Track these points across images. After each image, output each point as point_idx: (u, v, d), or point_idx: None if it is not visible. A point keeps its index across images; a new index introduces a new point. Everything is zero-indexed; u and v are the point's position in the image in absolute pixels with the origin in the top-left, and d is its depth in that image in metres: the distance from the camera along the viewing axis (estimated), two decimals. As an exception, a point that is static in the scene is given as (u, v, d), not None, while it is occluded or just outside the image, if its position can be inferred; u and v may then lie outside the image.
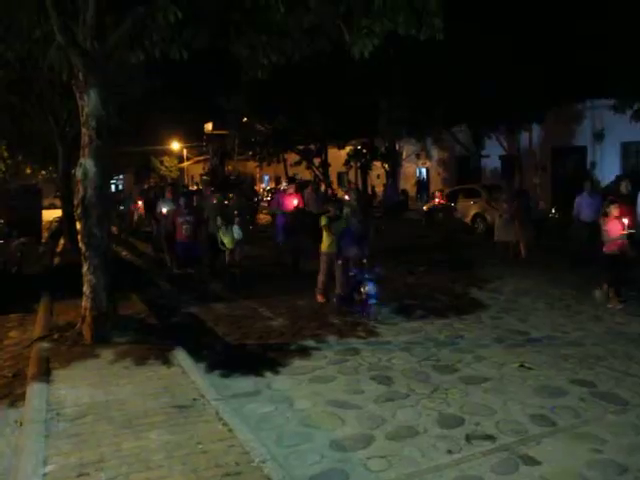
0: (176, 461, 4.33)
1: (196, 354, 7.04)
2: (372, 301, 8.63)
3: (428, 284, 11.37)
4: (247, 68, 9.16)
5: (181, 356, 6.78)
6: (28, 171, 32.26)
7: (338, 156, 33.68)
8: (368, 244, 9.11)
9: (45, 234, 22.59)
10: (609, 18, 15.76)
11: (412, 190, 32.49)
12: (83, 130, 7.52)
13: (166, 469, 4.22)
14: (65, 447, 4.58)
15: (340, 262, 9.11)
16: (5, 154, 23.83)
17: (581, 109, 22.63)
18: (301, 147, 32.22)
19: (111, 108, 8.26)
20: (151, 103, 21.18)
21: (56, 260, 16.07)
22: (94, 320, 7.41)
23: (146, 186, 29.54)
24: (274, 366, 6.80)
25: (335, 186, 33.55)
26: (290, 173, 33.71)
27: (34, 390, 5.80)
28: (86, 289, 7.51)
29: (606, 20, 15.81)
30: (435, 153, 31.49)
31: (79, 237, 7.77)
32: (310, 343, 7.70)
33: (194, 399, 5.51)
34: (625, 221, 8.91)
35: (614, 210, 8.95)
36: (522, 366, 6.58)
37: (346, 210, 9.58)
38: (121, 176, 59.73)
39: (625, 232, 8.88)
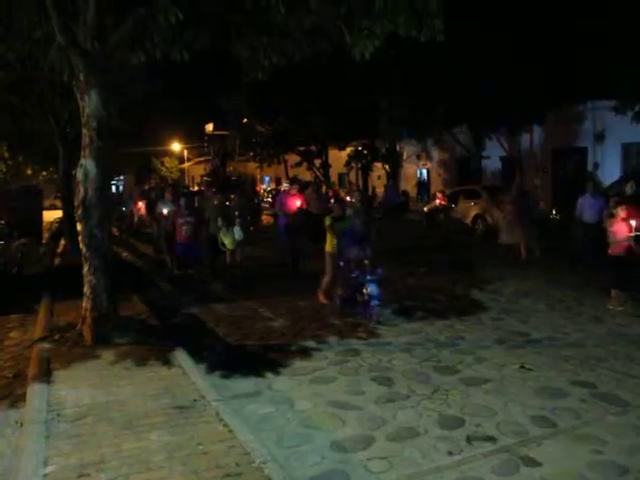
0: (176, 462, 4.32)
1: (197, 355, 7.04)
2: (374, 302, 8.57)
3: (429, 285, 11.37)
4: (248, 69, 9.16)
5: (182, 357, 6.78)
6: (29, 172, 32.23)
7: (339, 157, 33.71)
8: (370, 245, 9.08)
9: (46, 235, 22.58)
10: (610, 19, 15.75)
11: (413, 191, 32.49)
12: (84, 131, 7.52)
13: (166, 470, 4.22)
14: (65, 448, 4.58)
15: (342, 263, 9.10)
16: (6, 155, 23.84)
17: (582, 110, 22.61)
18: (302, 148, 32.25)
19: (112, 109, 8.26)
20: (152, 104, 21.18)
21: (57, 261, 16.07)
22: (95, 321, 7.40)
23: (147, 187, 29.59)
24: (275, 367, 6.80)
25: (337, 187, 33.55)
26: (291, 174, 33.72)
27: (34, 391, 5.80)
28: (86, 290, 7.50)
29: (607, 21, 15.81)
30: (436, 154, 31.48)
31: (79, 238, 7.77)
32: (311, 344, 7.70)
33: (194, 400, 5.51)
34: (633, 223, 8.78)
35: (621, 212, 8.84)
36: (523, 367, 6.58)
37: (349, 211, 9.57)
38: (122, 177, 59.72)
39: (632, 234, 8.75)
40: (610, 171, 21.13)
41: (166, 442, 4.64)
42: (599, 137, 22.16)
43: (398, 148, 32.27)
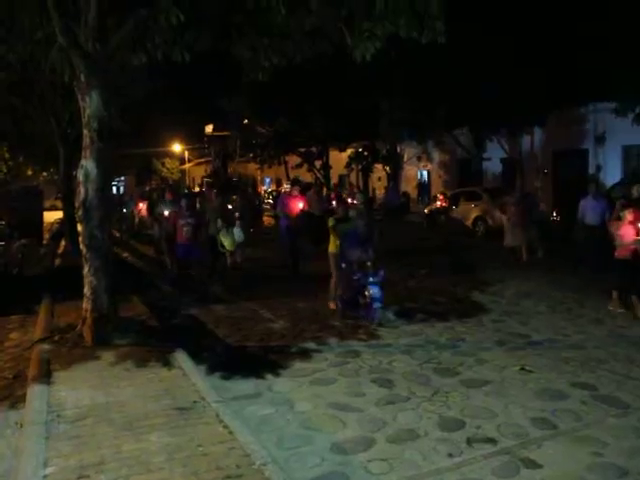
0: (177, 463, 4.32)
1: (197, 356, 7.03)
2: (377, 305, 8.54)
3: (429, 287, 11.36)
4: (248, 70, 9.16)
5: (182, 358, 6.78)
6: (29, 172, 32.29)
7: (339, 158, 33.70)
8: (373, 247, 9.05)
9: (46, 236, 22.59)
10: (611, 21, 15.75)
11: (413, 192, 32.49)
12: (85, 132, 7.52)
13: (167, 471, 4.21)
14: (65, 449, 4.58)
15: (344, 265, 9.07)
16: (7, 155, 23.87)
17: (583, 112, 22.61)
18: (302, 149, 32.25)
19: (112, 110, 8.26)
20: (152, 105, 21.20)
21: (57, 262, 16.08)
22: (95, 322, 7.40)
23: (147, 188, 29.60)
24: (275, 368, 6.80)
25: (337, 189, 33.54)
26: (291, 175, 33.73)
27: (35, 392, 5.80)
28: (87, 291, 7.50)
29: (608, 23, 15.81)
30: (436, 156, 31.49)
31: (80, 239, 7.77)
32: (311, 345, 7.70)
33: (194, 401, 5.50)
34: None
35: (628, 215, 8.74)
36: (523, 369, 6.57)
37: (352, 212, 9.54)
38: (122, 178, 59.75)
39: (639, 237, 8.65)
40: (611, 173, 21.14)
41: (166, 443, 4.64)
42: (600, 139, 22.16)
43: (399, 150, 32.27)
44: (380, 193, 31.83)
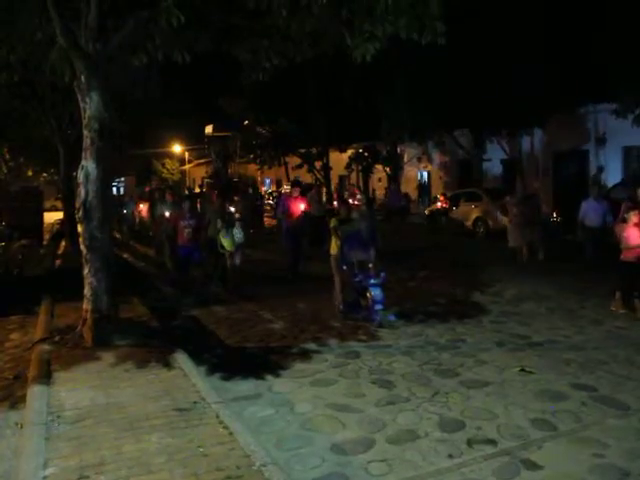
0: (177, 464, 4.32)
1: (197, 357, 7.04)
2: (378, 307, 8.51)
3: (429, 288, 11.37)
4: (249, 71, 9.16)
5: (182, 359, 6.78)
6: (30, 173, 32.31)
7: (340, 159, 33.70)
8: (375, 248, 9.02)
9: (46, 236, 22.60)
10: (611, 23, 15.77)
11: (414, 194, 32.48)
12: (85, 132, 7.52)
13: (167, 472, 4.21)
14: (65, 450, 4.58)
15: (345, 267, 9.05)
16: (7, 156, 23.88)
17: (583, 113, 22.61)
18: (302, 150, 32.25)
19: (112, 110, 8.26)
20: (153, 105, 21.22)
21: (57, 262, 16.08)
22: (95, 323, 7.40)
23: (147, 189, 29.53)
24: (275, 369, 6.79)
25: (339, 189, 33.55)
26: (291, 176, 33.71)
27: (35, 392, 5.80)
28: (87, 291, 7.50)
29: (608, 24, 15.82)
30: (437, 157, 31.47)
31: (80, 239, 7.77)
32: (311, 346, 7.70)
33: (195, 402, 5.50)
34: None
35: (634, 217, 8.70)
36: (523, 370, 6.57)
37: (355, 213, 9.52)
38: (122, 179, 59.75)
39: None
40: (611, 174, 21.14)
41: (166, 444, 4.64)
42: (600, 140, 22.17)
43: (399, 150, 32.25)
44: (380, 194, 31.80)
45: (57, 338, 7.61)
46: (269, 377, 6.56)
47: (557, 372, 6.51)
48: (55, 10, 7.10)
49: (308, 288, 11.12)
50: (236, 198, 15.18)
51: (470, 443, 4.86)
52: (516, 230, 13.90)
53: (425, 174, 33.61)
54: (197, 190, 41.03)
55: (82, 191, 7.45)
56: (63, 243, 19.73)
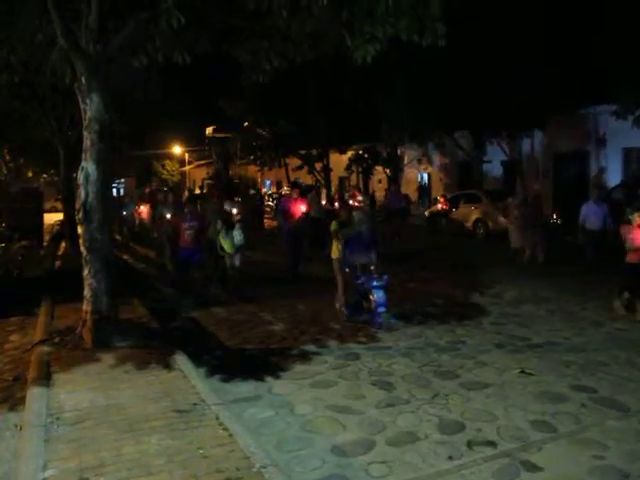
0: (176, 466, 4.31)
1: (197, 358, 7.03)
2: (381, 309, 8.46)
3: (429, 289, 11.36)
4: (249, 72, 9.16)
5: (182, 360, 6.77)
6: (30, 174, 32.33)
7: (340, 161, 33.71)
8: (377, 250, 8.98)
9: (46, 237, 22.60)
10: (611, 24, 15.77)
11: (414, 195, 32.49)
12: (85, 133, 7.52)
13: (166, 474, 4.20)
14: (65, 451, 4.57)
15: (347, 269, 9.01)
16: (7, 157, 23.90)
17: (583, 115, 22.62)
18: (303, 152, 32.26)
19: (112, 112, 8.26)
20: (153, 106, 21.23)
21: (57, 263, 16.07)
22: (95, 324, 7.39)
23: (147, 190, 29.47)
24: (275, 371, 6.79)
25: (340, 190, 33.54)
26: (292, 178, 33.72)
27: (34, 394, 5.79)
28: (87, 293, 7.49)
29: (608, 26, 15.83)
30: (437, 158, 31.49)
31: (80, 241, 7.76)
32: (311, 348, 7.69)
33: (194, 404, 5.50)
34: None
35: (638, 218, 8.66)
36: (523, 372, 6.56)
37: (356, 214, 9.48)
38: (122, 180, 59.74)
39: None
40: (612, 176, 21.14)
41: (166, 446, 4.63)
42: (600, 142, 22.17)
43: (399, 152, 32.26)
44: (380, 195, 31.79)
45: (57, 339, 7.60)
46: (269, 379, 6.56)
47: (557, 374, 6.50)
48: (56, 11, 7.10)
49: (308, 289, 11.12)
50: (237, 199, 15.17)
51: (470, 445, 4.85)
52: (518, 232, 13.91)
53: (425, 176, 33.62)
54: (197, 191, 41.04)
55: (82, 192, 7.44)
56: (63, 244, 19.73)
